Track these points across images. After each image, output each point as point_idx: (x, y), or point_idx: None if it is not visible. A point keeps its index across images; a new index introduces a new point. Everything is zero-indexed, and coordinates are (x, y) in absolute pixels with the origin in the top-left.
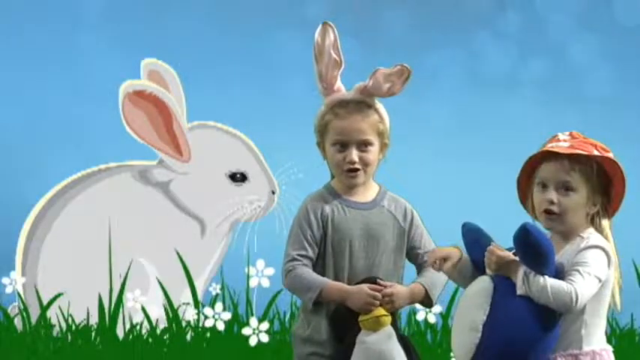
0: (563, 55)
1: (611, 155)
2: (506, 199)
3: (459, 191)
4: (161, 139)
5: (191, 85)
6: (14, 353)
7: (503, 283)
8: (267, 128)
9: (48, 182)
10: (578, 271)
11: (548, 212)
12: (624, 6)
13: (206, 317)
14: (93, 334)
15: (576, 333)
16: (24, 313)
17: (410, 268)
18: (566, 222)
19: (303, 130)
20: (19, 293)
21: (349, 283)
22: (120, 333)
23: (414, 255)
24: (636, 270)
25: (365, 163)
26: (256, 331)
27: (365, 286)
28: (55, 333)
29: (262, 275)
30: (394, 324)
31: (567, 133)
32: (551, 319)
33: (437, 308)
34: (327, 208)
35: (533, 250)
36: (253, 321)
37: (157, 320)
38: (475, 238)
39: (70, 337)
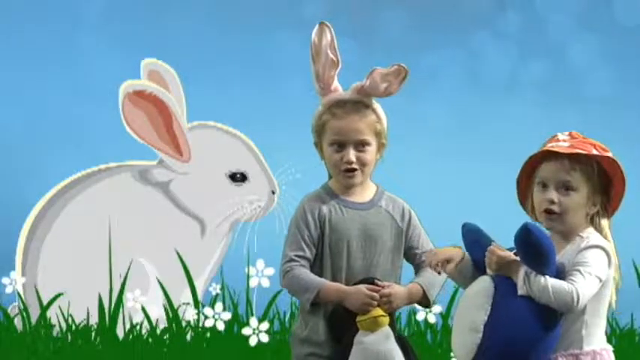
0: (563, 56)
1: (610, 154)
2: (506, 200)
3: (458, 191)
4: (161, 139)
5: (191, 85)
6: (14, 353)
7: (503, 284)
8: (267, 128)
9: (48, 182)
10: (579, 271)
11: (548, 212)
12: (624, 6)
13: (206, 317)
14: (93, 334)
15: (577, 333)
16: (24, 313)
17: (408, 268)
18: (566, 222)
19: (303, 131)
20: (19, 293)
21: (347, 284)
22: (120, 333)
23: (411, 255)
24: (636, 270)
25: (362, 163)
26: (256, 331)
27: (363, 287)
28: (55, 333)
29: (262, 275)
30: (392, 324)
31: (566, 133)
32: (552, 319)
33: (437, 308)
34: (325, 209)
35: (534, 250)
36: (253, 321)
37: (157, 320)
38: (475, 239)
39: (70, 337)
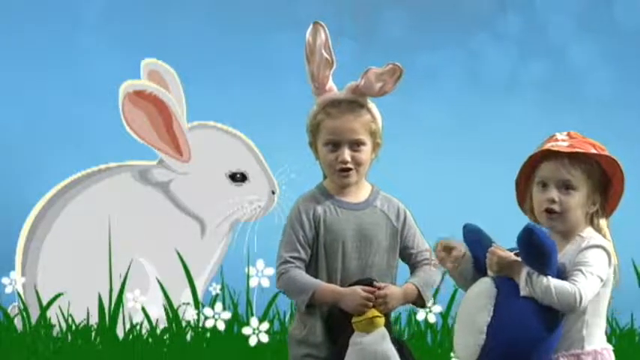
0: (563, 56)
1: (610, 154)
2: (506, 200)
3: (458, 191)
4: (161, 139)
5: (191, 85)
6: (14, 353)
7: (505, 285)
8: (267, 128)
9: (48, 182)
10: (580, 271)
11: (549, 211)
12: (624, 7)
13: (206, 317)
14: (93, 334)
15: (578, 333)
16: (24, 313)
17: (404, 267)
18: (566, 221)
19: (303, 131)
20: (19, 293)
21: (343, 284)
22: (120, 333)
23: (406, 255)
24: (636, 270)
25: (357, 163)
26: (256, 331)
27: (358, 288)
28: (55, 333)
29: (262, 275)
30: (387, 325)
31: (565, 132)
32: (554, 320)
33: (437, 308)
34: (319, 209)
35: (536, 251)
36: (253, 321)
37: (157, 320)
38: (476, 239)
39: (70, 337)
